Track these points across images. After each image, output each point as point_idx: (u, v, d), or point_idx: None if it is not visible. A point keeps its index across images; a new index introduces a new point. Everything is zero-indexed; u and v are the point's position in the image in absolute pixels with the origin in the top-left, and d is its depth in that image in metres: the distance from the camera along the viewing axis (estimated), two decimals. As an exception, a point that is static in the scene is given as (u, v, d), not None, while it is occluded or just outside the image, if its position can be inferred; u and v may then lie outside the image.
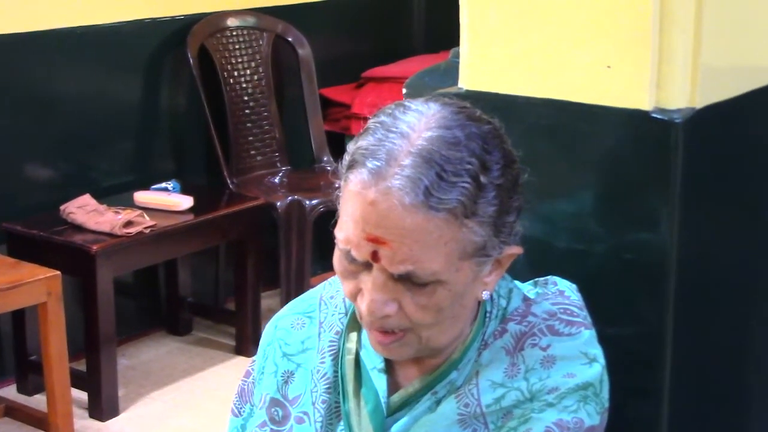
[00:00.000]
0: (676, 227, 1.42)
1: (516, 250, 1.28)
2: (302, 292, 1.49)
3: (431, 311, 1.22)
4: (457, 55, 1.61)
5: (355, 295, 1.25)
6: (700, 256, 1.50)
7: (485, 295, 1.28)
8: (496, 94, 1.54)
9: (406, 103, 1.25)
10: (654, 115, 1.42)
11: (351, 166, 1.21)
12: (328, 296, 1.42)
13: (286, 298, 3.69)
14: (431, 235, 1.17)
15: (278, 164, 4.16)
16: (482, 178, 1.19)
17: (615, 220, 1.47)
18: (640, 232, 1.44)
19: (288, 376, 1.39)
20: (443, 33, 2.67)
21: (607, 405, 1.30)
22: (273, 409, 1.39)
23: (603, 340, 1.34)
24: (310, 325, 1.41)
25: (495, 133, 1.25)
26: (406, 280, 1.20)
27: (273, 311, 1.51)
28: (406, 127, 1.20)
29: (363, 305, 1.23)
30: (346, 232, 1.21)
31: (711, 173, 1.50)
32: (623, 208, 1.46)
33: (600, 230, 1.47)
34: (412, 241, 1.17)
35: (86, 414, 3.37)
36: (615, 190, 1.47)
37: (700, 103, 1.44)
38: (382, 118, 1.23)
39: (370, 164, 1.18)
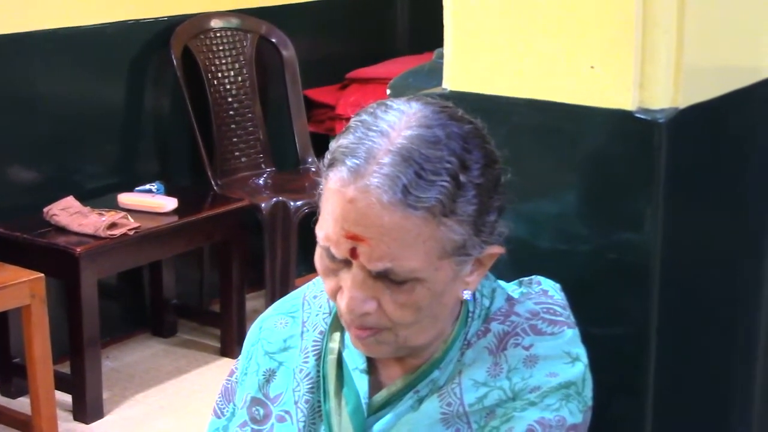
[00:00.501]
0: (660, 226, 1.43)
1: (497, 249, 1.28)
2: (287, 293, 1.49)
3: (410, 310, 1.23)
4: (441, 56, 1.61)
5: (335, 293, 1.26)
6: (684, 255, 1.51)
7: (466, 294, 1.28)
8: (480, 95, 1.54)
9: (388, 102, 1.25)
10: (637, 115, 1.43)
11: (331, 164, 1.21)
12: (312, 296, 1.42)
13: (271, 300, 3.68)
14: (409, 233, 1.18)
15: (263, 165, 4.16)
16: (462, 177, 1.19)
17: (599, 220, 1.47)
18: (625, 232, 1.45)
19: (270, 375, 1.39)
20: (427, 34, 2.67)
21: (590, 404, 1.30)
22: (254, 409, 1.39)
23: (588, 339, 1.35)
24: (292, 324, 1.41)
25: (476, 132, 1.25)
26: (385, 278, 1.20)
27: (258, 312, 1.51)
28: (386, 126, 1.20)
29: (342, 303, 1.24)
30: (325, 229, 1.21)
31: (694, 173, 1.51)
32: (607, 208, 1.47)
33: (584, 230, 1.48)
34: (390, 239, 1.18)
35: (70, 417, 3.35)
36: (599, 190, 1.47)
37: (683, 103, 1.45)
38: (364, 116, 1.23)
39: (349, 162, 1.19)
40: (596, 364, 1.34)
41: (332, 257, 1.22)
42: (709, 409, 1.67)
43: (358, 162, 1.18)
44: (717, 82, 1.54)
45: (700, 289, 1.59)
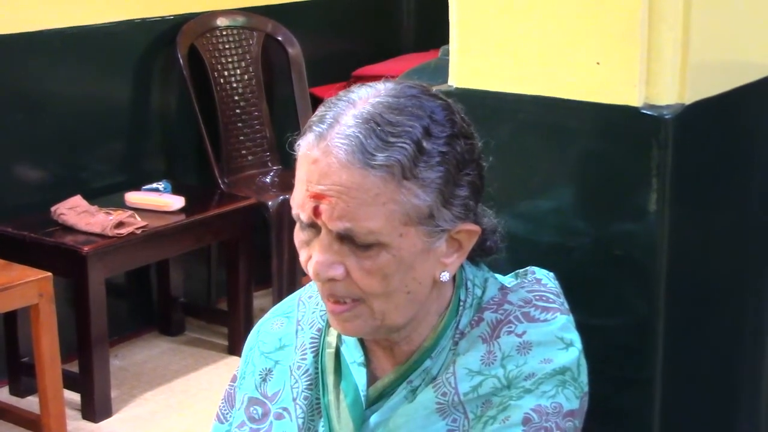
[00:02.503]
0: (666, 221, 1.43)
1: (472, 227, 1.28)
2: (294, 291, 1.49)
3: (377, 277, 1.23)
4: (446, 53, 1.62)
5: (306, 263, 1.27)
6: (690, 250, 1.51)
7: (444, 276, 1.28)
8: (486, 92, 1.54)
9: (367, 83, 1.28)
10: (644, 111, 1.43)
11: (303, 134, 1.25)
12: (307, 296, 1.43)
13: (278, 298, 3.69)
14: (368, 193, 1.20)
15: (269, 164, 4.16)
16: (425, 143, 1.21)
17: (606, 215, 1.47)
18: (631, 227, 1.45)
19: (266, 374, 1.40)
20: (433, 31, 2.67)
21: (586, 389, 1.30)
22: (252, 408, 1.39)
23: (596, 332, 1.35)
24: (287, 324, 1.42)
25: (446, 106, 1.27)
26: (350, 241, 1.22)
27: (265, 310, 1.51)
28: (355, 97, 1.24)
29: (310, 268, 1.25)
30: (295, 196, 1.25)
31: (701, 168, 1.51)
32: (614, 204, 1.47)
33: (591, 226, 1.48)
34: (349, 198, 1.20)
35: (79, 415, 3.36)
36: (605, 187, 1.47)
37: (689, 99, 1.45)
38: (340, 92, 1.27)
39: (316, 128, 1.23)
40: (604, 357, 1.34)
41: (303, 225, 1.25)
42: (717, 403, 1.67)
43: (324, 126, 1.22)
44: (723, 78, 1.54)
45: (706, 283, 1.59)
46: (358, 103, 1.23)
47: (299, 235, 1.27)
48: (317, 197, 1.21)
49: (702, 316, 1.57)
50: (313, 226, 1.24)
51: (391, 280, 1.24)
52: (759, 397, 1.76)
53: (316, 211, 1.22)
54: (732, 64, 1.57)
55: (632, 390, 1.48)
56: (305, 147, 1.24)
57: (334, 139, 1.20)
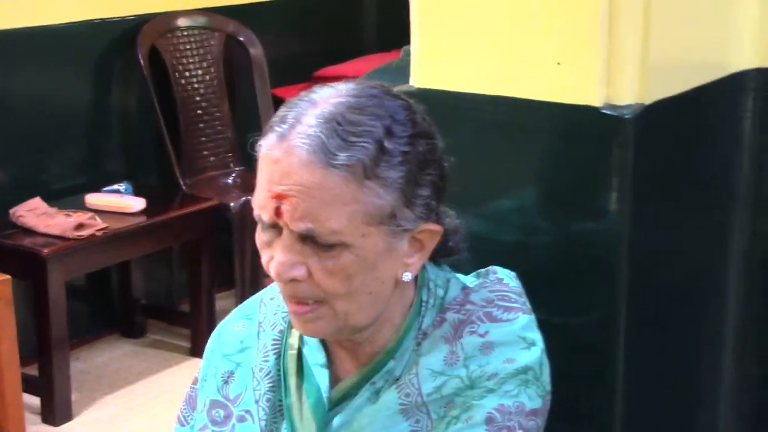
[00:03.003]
0: (628, 220, 1.44)
1: (434, 227, 1.28)
2: (257, 292, 1.48)
3: (339, 277, 1.23)
4: (408, 54, 1.61)
5: (268, 264, 1.26)
6: (652, 248, 1.52)
7: (406, 276, 1.28)
8: (447, 92, 1.54)
9: (329, 83, 1.28)
10: (604, 111, 1.43)
11: (264, 134, 1.25)
12: (269, 297, 1.42)
13: (241, 299, 3.67)
14: (330, 192, 1.19)
15: (231, 165, 4.14)
16: (386, 143, 1.21)
17: (566, 215, 1.48)
18: (593, 226, 1.45)
19: (228, 376, 1.39)
20: (395, 31, 2.66)
21: (549, 388, 1.31)
22: (214, 411, 1.38)
23: (557, 331, 1.35)
24: (249, 326, 1.42)
25: (407, 106, 1.27)
26: (312, 242, 1.22)
27: (227, 312, 1.50)
28: (317, 97, 1.24)
29: (272, 269, 1.24)
30: (257, 196, 1.24)
31: (661, 167, 1.52)
32: (575, 204, 1.47)
33: (551, 225, 1.48)
34: (310, 197, 1.19)
35: (39, 419, 3.33)
36: (566, 186, 1.48)
37: (649, 99, 1.46)
38: (301, 93, 1.27)
39: (278, 129, 1.23)
40: (567, 356, 1.34)
41: (264, 226, 1.24)
42: (679, 400, 1.68)
43: (285, 126, 1.22)
44: (683, 78, 1.55)
45: (668, 282, 1.60)
46: (320, 103, 1.23)
47: (261, 236, 1.26)
48: (279, 197, 1.21)
49: (664, 314, 1.58)
50: (275, 227, 1.23)
51: (353, 280, 1.23)
52: (719, 395, 1.77)
53: (277, 212, 1.21)
54: (692, 63, 1.58)
55: (595, 388, 1.49)
56: (266, 147, 1.23)
57: (295, 139, 1.20)
